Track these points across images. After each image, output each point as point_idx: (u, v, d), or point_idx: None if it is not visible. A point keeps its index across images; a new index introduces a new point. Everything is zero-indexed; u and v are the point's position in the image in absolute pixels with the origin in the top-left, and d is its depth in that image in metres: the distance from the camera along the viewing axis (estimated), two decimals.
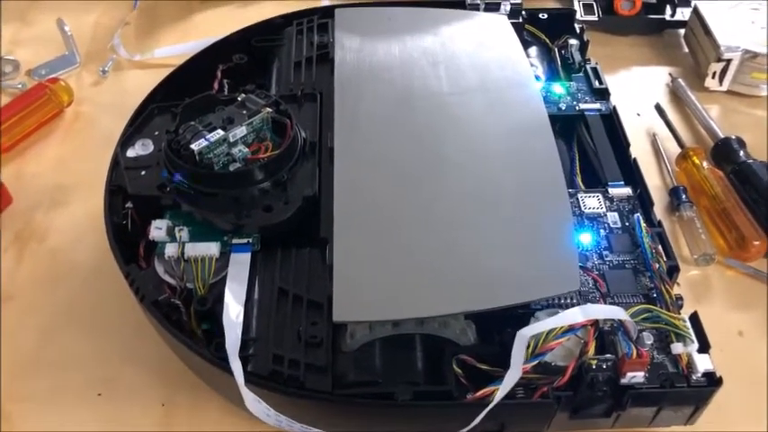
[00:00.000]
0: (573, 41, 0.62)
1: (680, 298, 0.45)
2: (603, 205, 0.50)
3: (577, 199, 0.51)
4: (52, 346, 0.51)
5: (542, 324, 0.40)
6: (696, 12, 0.71)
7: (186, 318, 0.44)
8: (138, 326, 0.50)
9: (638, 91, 0.70)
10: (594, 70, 0.60)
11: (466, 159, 0.49)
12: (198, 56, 0.61)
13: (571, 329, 0.40)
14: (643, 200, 0.51)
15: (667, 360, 0.43)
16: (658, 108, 0.67)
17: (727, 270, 0.56)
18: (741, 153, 0.61)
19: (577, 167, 0.55)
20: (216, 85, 0.57)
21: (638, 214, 0.49)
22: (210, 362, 0.42)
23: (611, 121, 0.57)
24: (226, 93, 0.56)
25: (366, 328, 0.43)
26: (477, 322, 0.44)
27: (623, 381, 0.41)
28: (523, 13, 0.64)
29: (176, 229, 0.46)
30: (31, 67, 0.72)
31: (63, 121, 0.68)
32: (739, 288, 0.55)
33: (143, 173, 0.49)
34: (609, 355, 0.41)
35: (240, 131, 0.47)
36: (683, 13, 0.75)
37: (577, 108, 0.58)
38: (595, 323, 0.41)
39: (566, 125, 0.57)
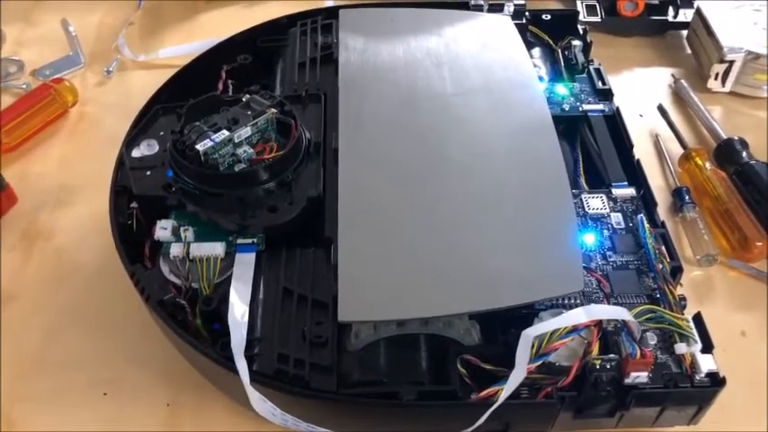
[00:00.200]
0: (576, 42, 0.62)
1: (683, 298, 0.45)
2: (607, 206, 0.51)
3: (581, 200, 0.51)
4: (56, 345, 0.51)
5: (546, 324, 0.40)
6: (699, 13, 0.71)
7: (191, 317, 0.44)
8: (143, 326, 0.50)
9: (640, 92, 0.70)
10: (597, 71, 0.60)
11: (470, 160, 0.49)
12: (202, 56, 0.61)
13: (575, 330, 0.40)
14: (646, 201, 0.51)
15: (671, 360, 0.43)
16: (661, 109, 0.67)
17: (729, 271, 0.56)
18: (744, 154, 0.61)
19: (581, 168, 0.55)
20: (220, 86, 0.58)
21: (642, 215, 0.49)
22: (216, 361, 0.42)
23: (615, 121, 0.57)
24: (230, 93, 0.56)
25: (371, 327, 0.43)
26: (482, 322, 0.44)
27: (627, 381, 0.41)
28: (527, 14, 0.64)
29: (181, 229, 0.46)
30: (35, 67, 0.72)
31: (67, 121, 0.68)
32: (742, 289, 0.55)
33: (148, 173, 0.49)
34: (612, 356, 0.41)
35: (245, 132, 0.47)
36: (685, 15, 0.75)
37: (581, 109, 0.58)
38: (599, 323, 0.42)
39: (569, 126, 0.57)
